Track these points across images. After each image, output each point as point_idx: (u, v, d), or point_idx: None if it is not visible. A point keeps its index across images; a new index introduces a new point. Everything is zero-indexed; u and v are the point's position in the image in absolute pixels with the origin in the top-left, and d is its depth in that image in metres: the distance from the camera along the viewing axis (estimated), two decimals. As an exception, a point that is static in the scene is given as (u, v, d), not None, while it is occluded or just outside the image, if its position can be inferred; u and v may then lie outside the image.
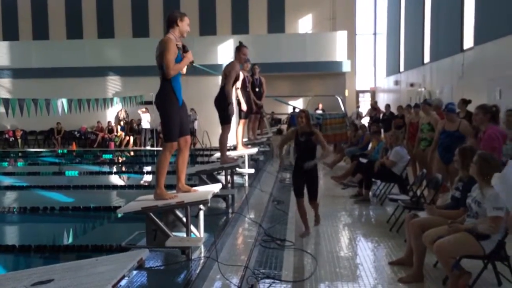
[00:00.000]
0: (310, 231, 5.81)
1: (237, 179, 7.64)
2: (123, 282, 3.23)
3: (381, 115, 16.49)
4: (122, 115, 18.24)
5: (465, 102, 9.48)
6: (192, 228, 4.08)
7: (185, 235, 3.82)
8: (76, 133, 18.13)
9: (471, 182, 4.05)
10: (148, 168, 11.87)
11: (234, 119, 6.63)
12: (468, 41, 11.54)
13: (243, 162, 7.33)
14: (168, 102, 3.92)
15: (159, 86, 3.99)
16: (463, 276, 3.74)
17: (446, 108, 6.61)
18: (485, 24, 10.46)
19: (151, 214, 3.62)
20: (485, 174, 3.73)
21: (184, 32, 3.97)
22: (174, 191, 4.23)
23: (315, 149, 5.73)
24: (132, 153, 16.19)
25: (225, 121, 6.15)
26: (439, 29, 13.77)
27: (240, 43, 6.39)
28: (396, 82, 19.20)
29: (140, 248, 2.76)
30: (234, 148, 8.35)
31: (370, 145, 10.03)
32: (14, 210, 7.10)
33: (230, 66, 6.16)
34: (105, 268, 2.14)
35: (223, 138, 6.22)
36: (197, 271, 3.46)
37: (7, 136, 18.00)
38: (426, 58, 15.18)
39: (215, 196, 5.36)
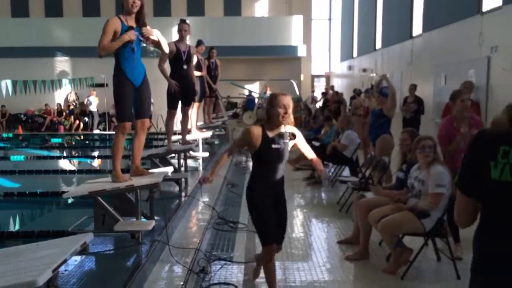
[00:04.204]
0: None
1: (191, 163, 7.61)
2: (70, 267, 3.18)
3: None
4: (72, 97, 17.58)
5: (414, 87, 9.87)
6: (143, 212, 4.05)
7: (135, 219, 3.78)
8: (22, 116, 17.32)
9: (413, 163, 4.24)
10: (98, 153, 11.57)
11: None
12: (417, 28, 11.92)
13: (197, 146, 7.30)
14: (117, 82, 3.88)
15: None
16: (404, 253, 3.94)
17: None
18: (432, 12, 10.83)
19: (99, 198, 3.55)
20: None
21: (129, 9, 3.83)
22: (129, 174, 4.17)
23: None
24: (82, 137, 15.68)
25: (167, 105, 6.10)
26: (390, 16, 14.12)
27: (181, 20, 6.26)
28: (350, 67, 19.57)
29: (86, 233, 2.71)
30: (189, 131, 8.29)
31: (323, 129, 10.22)
32: (-46, 196, 6.73)
33: None
34: (46, 252, 2.09)
35: (167, 123, 6.19)
36: (147, 255, 3.44)
37: None
38: (378, 44, 15.54)
39: (168, 179, 5.33)
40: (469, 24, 8.76)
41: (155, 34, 4.04)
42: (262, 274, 3.97)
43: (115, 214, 3.62)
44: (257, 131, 3.10)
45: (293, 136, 3.22)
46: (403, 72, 12.59)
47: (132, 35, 3.78)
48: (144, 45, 4.10)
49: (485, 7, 8.33)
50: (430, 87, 10.48)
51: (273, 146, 3.12)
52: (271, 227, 3.18)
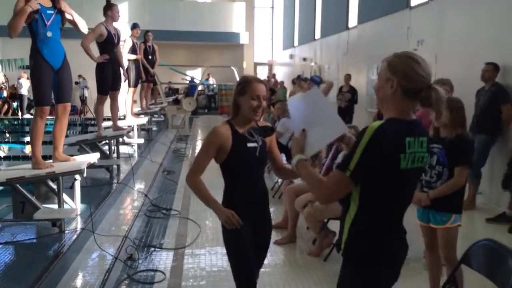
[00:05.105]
0: None
1: (126, 149, 7.44)
2: (-17, 258, 3.04)
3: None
4: (1, 80, 16.52)
5: (349, 77, 10.23)
6: (68, 199, 3.94)
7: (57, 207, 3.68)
8: None
9: (340, 151, 4.42)
10: (28, 138, 11.01)
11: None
12: (353, 19, 12.28)
13: (129, 132, 7.14)
14: (34, 64, 3.73)
15: None
16: (327, 236, 4.12)
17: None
18: (367, 4, 11.20)
19: (17, 185, 3.41)
20: None
21: None
22: (51, 161, 4.03)
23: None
24: (11, 122, 14.83)
25: (97, 90, 5.90)
26: (329, 6, 14.43)
27: (108, 1, 6.03)
28: (291, 56, 19.83)
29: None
30: (124, 117, 8.10)
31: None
32: None
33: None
34: None
35: (97, 109, 5.98)
36: (70, 243, 3.37)
37: None
38: (317, 34, 15.86)
39: (98, 166, 5.19)
40: (398, 18, 9.17)
41: (72, 14, 3.92)
42: (190, 258, 4.02)
43: (35, 202, 3.50)
44: (224, 129, 2.36)
45: (270, 131, 2.52)
46: (340, 62, 12.96)
47: (34, 4, 3.56)
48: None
49: (414, 2, 8.75)
50: (363, 77, 10.89)
51: (249, 145, 2.37)
52: (252, 271, 2.42)
